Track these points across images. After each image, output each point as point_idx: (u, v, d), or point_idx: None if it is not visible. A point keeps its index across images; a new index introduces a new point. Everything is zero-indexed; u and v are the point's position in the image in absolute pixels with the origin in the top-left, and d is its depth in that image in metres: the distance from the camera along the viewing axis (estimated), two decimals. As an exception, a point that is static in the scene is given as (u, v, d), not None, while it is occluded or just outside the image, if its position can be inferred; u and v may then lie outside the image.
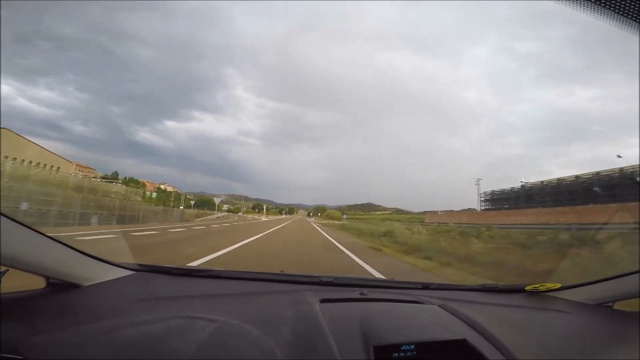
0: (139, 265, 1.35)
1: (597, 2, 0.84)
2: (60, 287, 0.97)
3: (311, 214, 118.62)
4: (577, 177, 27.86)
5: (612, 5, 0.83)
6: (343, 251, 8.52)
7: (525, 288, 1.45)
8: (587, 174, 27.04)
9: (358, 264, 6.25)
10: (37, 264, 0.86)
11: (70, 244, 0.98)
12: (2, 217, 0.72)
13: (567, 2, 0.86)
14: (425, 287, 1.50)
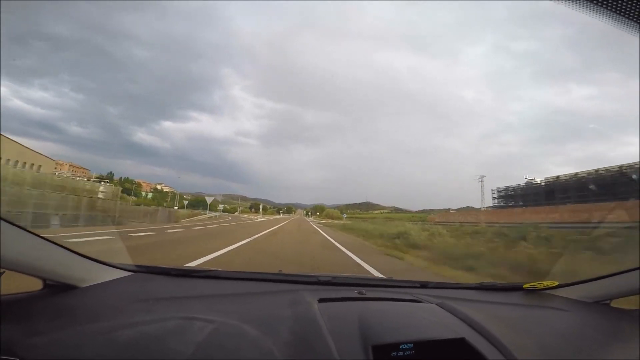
0: (137, 266, 1.33)
1: (595, 2, 0.84)
2: (57, 289, 0.95)
3: (309, 214, 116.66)
4: (596, 171, 25.69)
5: (610, 4, 0.84)
6: (359, 262, 6.42)
7: (523, 286, 1.45)
8: (612, 167, 24.91)
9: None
10: (34, 266, 0.86)
11: (67, 246, 0.96)
12: None
13: (565, 2, 0.87)
14: (424, 285, 1.50)
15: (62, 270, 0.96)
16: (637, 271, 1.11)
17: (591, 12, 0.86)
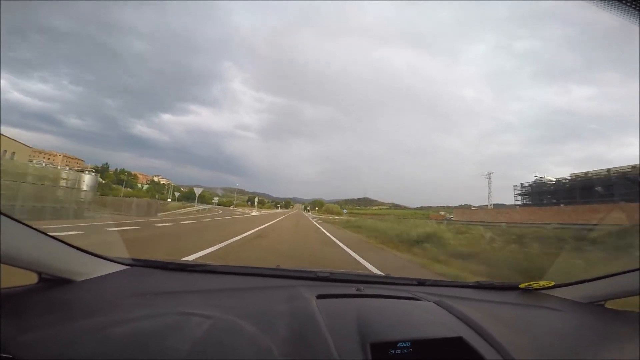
0: (133, 259, 1.31)
1: None
2: (52, 283, 0.93)
3: (308, 208, 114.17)
4: (632, 167, 22.90)
5: None
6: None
7: (520, 285, 1.45)
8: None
9: None
10: (29, 259, 0.84)
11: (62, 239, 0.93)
12: None
13: (565, 0, 0.82)
14: (421, 283, 1.48)
15: (57, 263, 0.94)
16: (632, 273, 1.12)
17: (592, 3, 0.86)
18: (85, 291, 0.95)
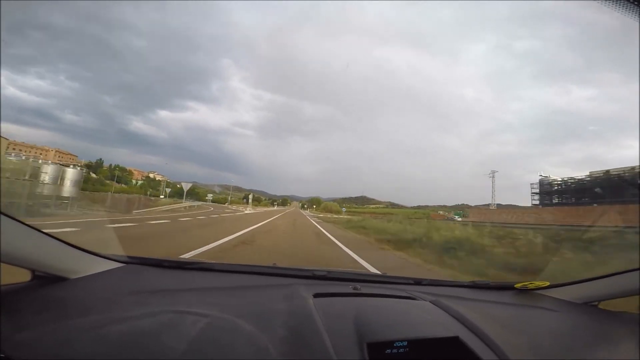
0: (129, 257, 1.29)
1: None
2: (46, 281, 0.92)
3: (305, 206, 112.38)
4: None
5: None
6: None
7: (515, 285, 1.44)
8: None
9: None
10: (22, 256, 0.82)
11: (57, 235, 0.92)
12: None
13: (566, 0, 0.72)
14: (418, 282, 1.48)
15: (51, 261, 0.92)
16: (626, 274, 1.13)
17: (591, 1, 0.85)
18: (80, 289, 0.94)
